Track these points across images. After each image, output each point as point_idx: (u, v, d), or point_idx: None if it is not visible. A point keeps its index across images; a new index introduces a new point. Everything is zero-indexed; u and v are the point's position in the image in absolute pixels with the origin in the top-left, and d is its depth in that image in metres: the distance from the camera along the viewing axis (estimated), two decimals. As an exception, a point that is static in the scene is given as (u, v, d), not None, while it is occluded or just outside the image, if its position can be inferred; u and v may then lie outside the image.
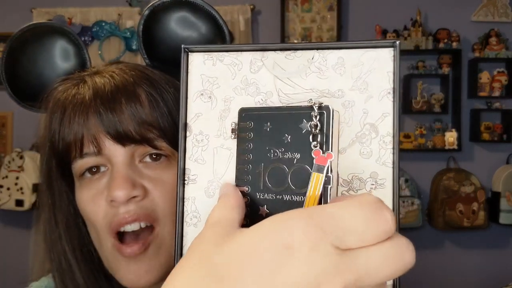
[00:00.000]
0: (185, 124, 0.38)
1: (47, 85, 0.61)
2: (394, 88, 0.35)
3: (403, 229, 3.08)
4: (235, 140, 0.36)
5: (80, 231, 0.60)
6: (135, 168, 0.55)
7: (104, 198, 0.54)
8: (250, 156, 0.35)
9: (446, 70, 3.14)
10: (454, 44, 3.09)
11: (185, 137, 0.38)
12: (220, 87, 0.37)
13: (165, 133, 0.55)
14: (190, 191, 0.38)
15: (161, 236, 0.55)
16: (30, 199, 3.15)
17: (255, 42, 3.25)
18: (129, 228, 0.54)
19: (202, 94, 0.38)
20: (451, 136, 3.08)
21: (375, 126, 0.35)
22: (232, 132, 0.37)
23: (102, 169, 0.55)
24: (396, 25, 3.16)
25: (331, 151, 0.33)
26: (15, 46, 0.62)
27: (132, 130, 0.53)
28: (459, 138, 3.09)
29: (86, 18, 3.24)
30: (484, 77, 3.14)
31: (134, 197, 0.53)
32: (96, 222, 0.55)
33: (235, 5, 3.19)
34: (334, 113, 0.33)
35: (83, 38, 3.23)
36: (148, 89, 0.56)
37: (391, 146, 0.35)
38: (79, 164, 0.55)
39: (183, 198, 0.37)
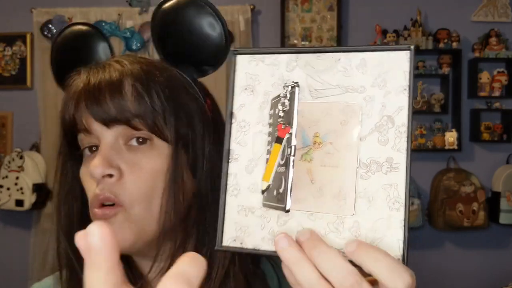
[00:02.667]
0: (231, 113, 0.45)
1: None
2: (409, 85, 0.40)
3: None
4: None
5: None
6: (118, 150, 0.60)
7: None
8: (271, 137, 0.43)
9: (446, 70, 3.14)
10: (454, 44, 3.09)
11: (231, 123, 0.45)
12: (261, 83, 0.44)
13: (144, 118, 0.60)
14: (233, 167, 0.44)
15: (128, 212, 0.59)
16: (30, 199, 3.15)
17: (255, 42, 3.25)
18: (97, 209, 0.60)
19: (246, 89, 0.45)
20: (451, 136, 3.09)
21: (392, 118, 0.40)
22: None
23: (94, 148, 0.62)
24: (396, 25, 3.16)
25: (291, 125, 0.41)
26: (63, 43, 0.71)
27: (114, 112, 0.59)
28: (459, 138, 3.09)
29: (86, 18, 3.24)
30: (484, 77, 3.14)
31: (109, 175, 0.58)
32: (87, 194, 0.62)
33: (235, 5, 3.19)
34: (296, 93, 0.41)
35: (83, 38, 3.22)
36: (134, 82, 0.61)
37: (405, 135, 0.40)
38: (80, 138, 0.63)
39: (227, 173, 0.44)
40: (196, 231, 0.63)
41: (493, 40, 3.12)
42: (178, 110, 0.62)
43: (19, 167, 3.17)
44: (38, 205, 3.21)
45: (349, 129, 0.40)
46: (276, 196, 0.41)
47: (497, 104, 3.15)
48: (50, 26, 3.26)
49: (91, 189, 0.60)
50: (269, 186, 0.41)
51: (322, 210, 0.40)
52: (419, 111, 3.11)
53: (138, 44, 3.18)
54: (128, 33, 3.18)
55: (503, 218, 3.04)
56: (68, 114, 0.62)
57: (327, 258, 0.37)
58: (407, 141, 0.39)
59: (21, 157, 3.19)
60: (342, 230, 0.39)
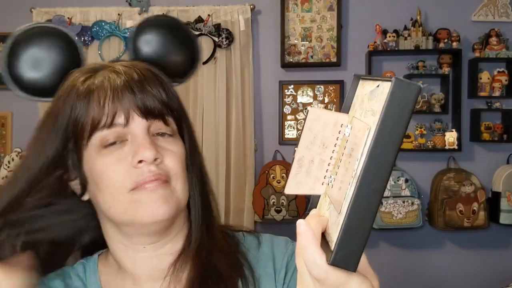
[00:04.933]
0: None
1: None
2: (382, 116, 0.47)
3: (403, 229, 3.08)
4: None
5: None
6: (152, 138, 0.69)
7: (129, 162, 0.67)
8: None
9: (446, 70, 3.13)
10: (454, 44, 3.09)
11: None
12: (358, 101, 0.53)
13: (174, 112, 0.72)
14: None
15: (173, 187, 0.70)
16: (30, 199, 3.15)
17: (255, 42, 3.24)
18: (150, 183, 0.68)
19: (353, 104, 0.54)
20: (451, 136, 3.08)
21: None
22: None
23: (118, 142, 0.69)
24: (396, 25, 3.15)
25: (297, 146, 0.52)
26: (18, 43, 0.75)
27: (155, 108, 0.69)
28: (459, 138, 3.09)
29: (86, 18, 3.24)
30: (484, 77, 3.14)
31: (156, 159, 0.68)
32: (115, 180, 0.68)
33: (235, 5, 3.19)
34: (307, 115, 0.51)
35: (82, 38, 3.22)
36: (163, 77, 0.73)
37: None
38: (104, 134, 0.68)
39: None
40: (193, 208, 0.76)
41: (493, 40, 3.12)
42: (184, 110, 0.76)
43: (19, 167, 3.17)
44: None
45: (360, 146, 0.47)
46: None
47: (497, 104, 3.15)
48: (50, 26, 3.25)
49: (121, 173, 0.67)
50: None
51: (336, 203, 0.49)
52: (419, 111, 3.11)
53: (138, 44, 3.18)
54: (128, 33, 3.18)
55: (503, 218, 3.03)
56: (103, 111, 0.67)
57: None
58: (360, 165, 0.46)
59: (21, 157, 3.18)
60: (336, 221, 0.48)
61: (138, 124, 0.68)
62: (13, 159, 3.19)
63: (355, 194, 0.43)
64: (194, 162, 0.75)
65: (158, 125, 0.70)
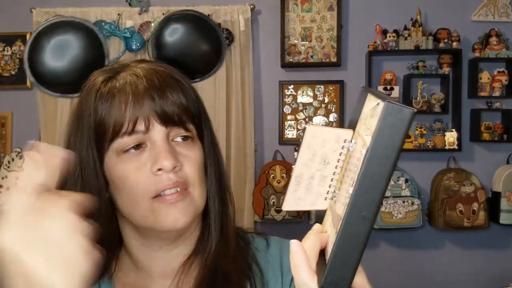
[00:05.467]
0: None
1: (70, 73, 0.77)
2: (373, 136, 0.46)
3: (403, 229, 3.08)
4: None
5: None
6: (171, 145, 0.70)
7: (148, 169, 0.68)
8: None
9: (446, 70, 3.13)
10: (455, 44, 3.09)
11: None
12: (362, 114, 0.51)
13: (194, 117, 0.72)
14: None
15: (192, 195, 0.71)
16: (30, 199, 3.14)
17: (255, 42, 3.24)
18: (168, 191, 0.69)
19: (360, 118, 0.52)
20: (451, 136, 3.08)
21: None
22: None
23: (137, 148, 0.69)
24: (396, 25, 3.15)
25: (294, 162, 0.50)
26: (42, 35, 0.77)
27: (174, 114, 0.69)
28: (459, 138, 3.09)
29: (86, 18, 3.24)
30: (485, 77, 3.14)
31: (175, 167, 0.68)
32: (136, 188, 0.69)
33: (235, 5, 3.19)
34: (305, 133, 0.49)
35: (83, 38, 3.22)
36: (183, 82, 0.73)
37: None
38: (125, 141, 0.68)
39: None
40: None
41: (493, 40, 3.12)
42: (205, 112, 0.76)
43: (18, 167, 3.16)
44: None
45: (358, 166, 0.45)
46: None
47: (497, 104, 3.15)
48: (50, 26, 3.25)
49: (141, 181, 0.68)
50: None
51: (336, 220, 0.48)
52: (419, 111, 3.11)
53: (138, 44, 3.18)
54: (128, 33, 3.18)
55: (503, 218, 3.03)
56: (125, 116, 0.67)
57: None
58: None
59: (21, 157, 3.18)
60: (332, 240, 0.46)
61: (158, 131, 0.69)
62: (13, 159, 3.19)
63: (345, 220, 0.43)
64: (212, 165, 0.75)
65: (178, 131, 0.71)
